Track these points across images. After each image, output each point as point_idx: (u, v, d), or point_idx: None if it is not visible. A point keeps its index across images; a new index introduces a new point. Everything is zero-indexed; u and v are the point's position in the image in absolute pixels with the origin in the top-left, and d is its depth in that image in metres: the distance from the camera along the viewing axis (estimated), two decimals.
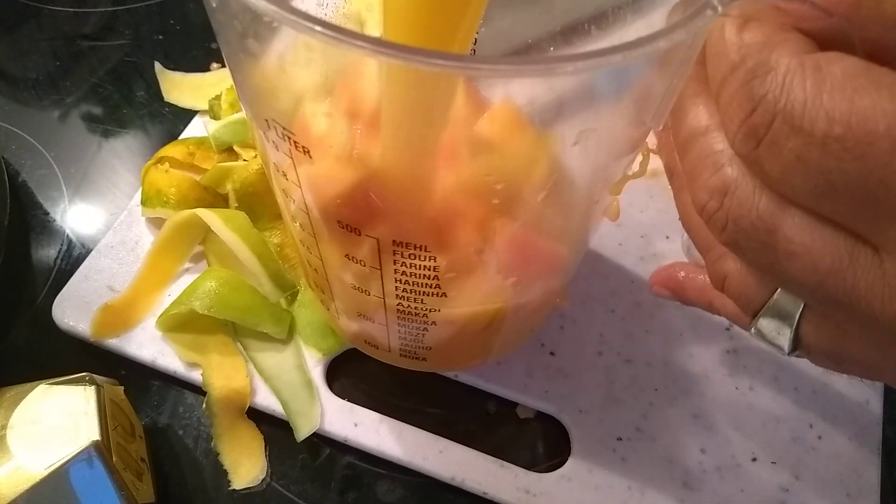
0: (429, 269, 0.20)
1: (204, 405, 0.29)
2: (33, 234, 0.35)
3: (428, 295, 0.22)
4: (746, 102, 0.14)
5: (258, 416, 0.29)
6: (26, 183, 0.37)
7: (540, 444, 0.30)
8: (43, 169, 0.37)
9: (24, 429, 0.24)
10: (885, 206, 0.13)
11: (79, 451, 0.23)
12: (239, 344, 0.30)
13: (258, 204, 0.32)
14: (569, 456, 0.28)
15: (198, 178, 0.32)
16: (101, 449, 0.23)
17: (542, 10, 0.26)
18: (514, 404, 0.30)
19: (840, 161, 0.13)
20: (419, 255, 0.20)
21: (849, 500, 0.28)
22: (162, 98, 0.38)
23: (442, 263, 0.20)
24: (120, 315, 0.30)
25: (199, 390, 0.29)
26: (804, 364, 0.31)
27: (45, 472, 0.23)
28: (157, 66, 0.38)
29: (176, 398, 0.30)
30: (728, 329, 0.32)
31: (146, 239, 0.33)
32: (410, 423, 0.29)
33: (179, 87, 0.38)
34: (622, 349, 0.31)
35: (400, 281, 0.21)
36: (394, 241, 0.19)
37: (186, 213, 0.30)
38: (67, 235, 0.35)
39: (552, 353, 0.31)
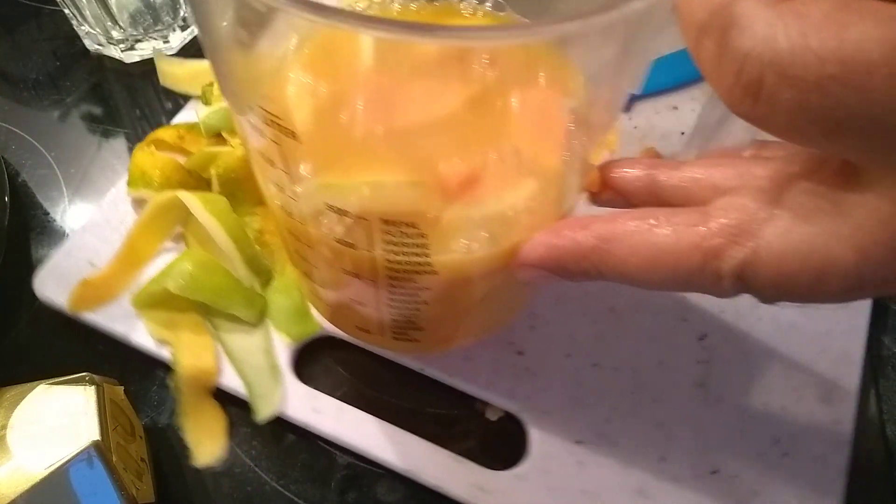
0: (419, 247, 0.21)
1: (171, 383, 0.29)
2: (33, 234, 0.35)
3: (419, 273, 0.22)
4: (731, 63, 0.14)
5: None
6: (26, 183, 0.37)
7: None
8: (43, 169, 0.37)
9: (23, 429, 0.25)
10: (893, 133, 0.13)
11: (79, 451, 0.23)
12: (210, 324, 0.31)
13: (240, 190, 0.33)
14: (526, 456, 0.28)
15: (183, 161, 0.33)
16: (101, 449, 0.24)
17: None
18: (482, 402, 0.30)
19: (841, 99, 0.13)
20: (409, 234, 0.20)
21: None
22: (162, 97, 0.39)
23: (432, 240, 0.20)
24: (97, 290, 0.31)
25: None
26: (776, 380, 0.30)
27: (45, 472, 0.23)
28: (156, 50, 0.38)
29: (176, 398, 0.30)
30: (701, 340, 0.32)
31: (131, 218, 0.34)
32: (372, 413, 0.29)
33: (176, 72, 0.38)
34: (591, 352, 0.31)
35: (391, 261, 0.21)
36: (383, 220, 0.20)
37: (168, 194, 0.31)
38: (67, 235, 0.35)
39: (520, 353, 0.31)
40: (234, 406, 0.30)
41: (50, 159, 0.38)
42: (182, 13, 0.41)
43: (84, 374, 0.27)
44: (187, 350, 0.30)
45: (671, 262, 0.18)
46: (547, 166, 0.22)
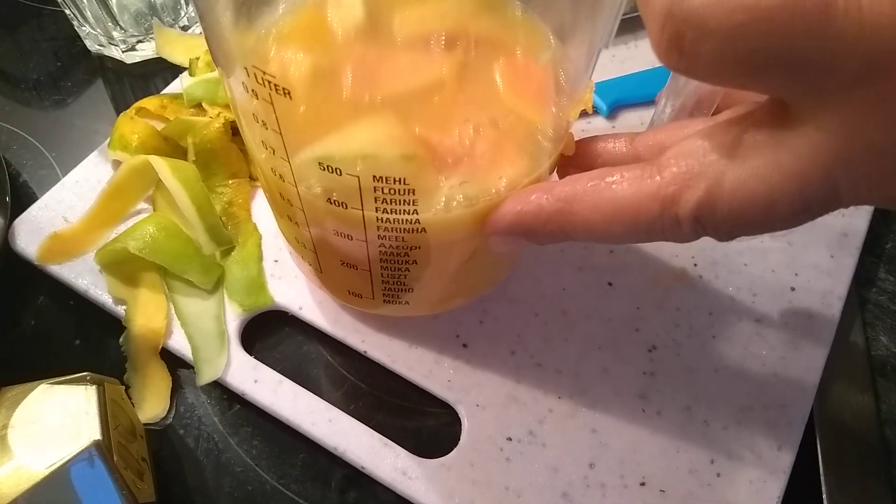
0: (408, 204, 0.21)
1: (121, 340, 0.30)
2: None
3: (408, 231, 0.23)
4: (655, 21, 0.16)
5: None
6: (27, 183, 0.37)
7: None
8: (44, 169, 0.37)
9: (25, 428, 0.25)
10: (806, 69, 0.15)
11: (80, 450, 0.23)
12: (166, 286, 0.31)
13: (215, 161, 0.34)
14: (455, 447, 0.29)
15: (160, 128, 0.34)
16: (102, 448, 0.24)
17: None
18: (422, 390, 0.30)
19: (753, 43, 0.15)
20: (399, 190, 0.21)
21: None
22: None
23: (421, 197, 0.21)
24: (66, 245, 0.32)
25: (198, 389, 0.30)
26: (721, 400, 0.30)
27: (46, 472, 0.23)
28: (156, 20, 0.39)
29: (176, 397, 0.30)
30: (650, 352, 0.31)
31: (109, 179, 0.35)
32: (309, 389, 0.29)
33: (173, 44, 0.39)
34: (536, 352, 0.31)
35: (381, 220, 0.22)
36: (374, 177, 0.21)
37: (140, 158, 0.32)
38: None
39: (465, 345, 0.31)
40: (237, 404, 0.30)
41: (51, 160, 0.38)
42: (183, 14, 0.42)
43: (85, 373, 0.27)
44: (141, 309, 0.30)
45: (631, 214, 0.19)
46: (529, 126, 0.23)
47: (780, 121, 0.17)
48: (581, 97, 0.24)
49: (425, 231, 0.23)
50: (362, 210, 0.22)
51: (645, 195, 0.18)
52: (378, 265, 0.25)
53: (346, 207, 0.22)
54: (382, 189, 0.21)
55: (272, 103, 0.20)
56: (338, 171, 0.21)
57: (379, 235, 0.23)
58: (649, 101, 0.39)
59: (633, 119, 0.39)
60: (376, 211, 0.22)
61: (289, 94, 0.19)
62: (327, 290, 0.30)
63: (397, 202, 0.21)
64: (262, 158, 0.23)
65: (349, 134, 0.21)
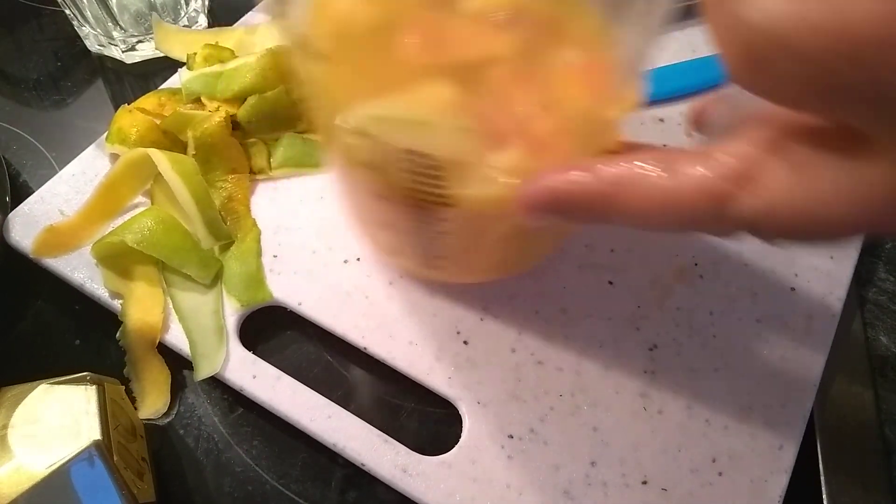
0: (436, 178, 0.21)
1: (118, 334, 0.30)
2: None
3: (438, 204, 0.22)
4: (735, 34, 0.15)
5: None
6: (27, 183, 0.37)
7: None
8: (44, 169, 0.37)
9: (25, 428, 0.25)
10: (892, 103, 0.14)
11: (80, 450, 0.23)
12: (164, 280, 0.31)
13: (215, 155, 0.34)
14: (456, 445, 0.28)
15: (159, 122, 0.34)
16: (102, 448, 0.24)
17: None
18: (422, 387, 0.30)
19: (839, 70, 0.13)
20: (425, 165, 0.20)
21: None
22: None
23: (450, 173, 0.21)
24: (62, 238, 0.32)
25: (198, 388, 0.30)
26: (722, 399, 0.30)
27: (46, 472, 0.23)
28: (155, 16, 0.39)
29: (176, 398, 0.30)
30: (651, 350, 0.31)
31: (106, 172, 0.34)
32: (308, 385, 0.29)
33: (172, 39, 0.39)
34: (537, 350, 0.31)
35: (411, 188, 0.22)
36: (406, 150, 0.20)
37: (139, 151, 0.32)
38: None
39: (466, 343, 0.31)
40: (239, 406, 0.30)
41: (51, 160, 0.38)
42: (183, 14, 0.42)
43: (85, 373, 0.27)
44: (137, 303, 0.30)
45: (679, 207, 0.18)
46: (580, 116, 0.23)
47: (852, 144, 0.16)
48: (631, 95, 0.23)
49: (456, 206, 0.22)
50: (395, 175, 0.21)
51: (695, 189, 0.18)
52: (413, 230, 0.25)
53: (378, 171, 0.22)
54: (411, 160, 0.20)
55: (326, 60, 0.20)
56: (376, 135, 0.20)
57: (410, 204, 0.23)
58: (659, 99, 0.39)
59: (634, 121, 0.39)
60: (405, 179, 0.21)
61: (348, 51, 0.20)
62: (375, 248, 0.31)
63: (426, 175, 0.21)
64: (327, 121, 0.23)
65: (406, 98, 0.21)
